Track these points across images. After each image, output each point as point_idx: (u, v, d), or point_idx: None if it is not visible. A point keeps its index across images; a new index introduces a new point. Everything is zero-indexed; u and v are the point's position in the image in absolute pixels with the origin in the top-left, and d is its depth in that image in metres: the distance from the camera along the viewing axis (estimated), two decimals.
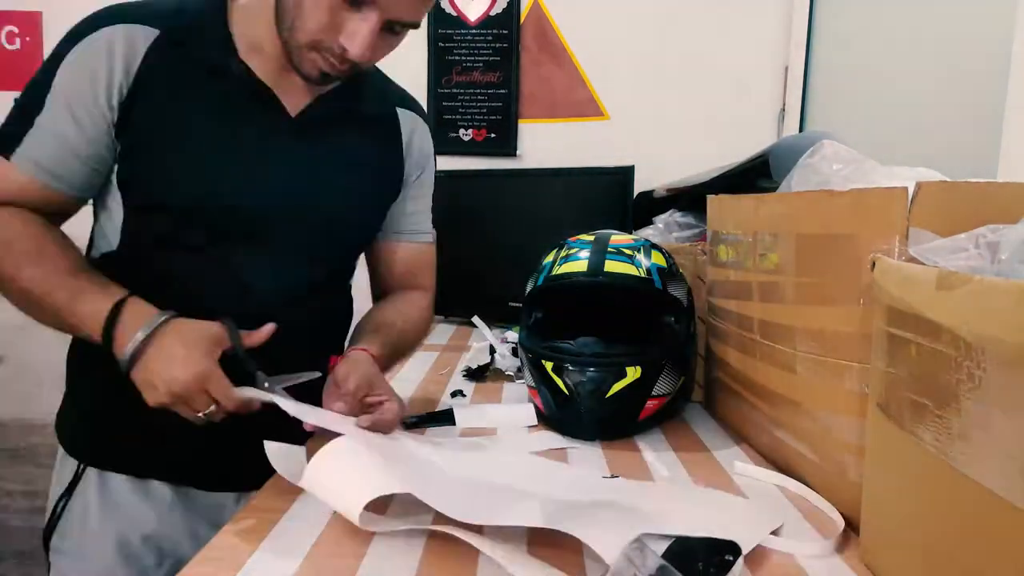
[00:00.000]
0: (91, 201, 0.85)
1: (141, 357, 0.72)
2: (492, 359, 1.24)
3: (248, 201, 0.82)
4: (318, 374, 0.83)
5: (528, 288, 1.00)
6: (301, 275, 0.89)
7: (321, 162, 0.88)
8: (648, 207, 1.51)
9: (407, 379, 1.19)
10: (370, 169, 0.95)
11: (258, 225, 0.84)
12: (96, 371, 0.80)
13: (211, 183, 0.81)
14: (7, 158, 0.76)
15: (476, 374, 1.20)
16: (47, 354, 1.12)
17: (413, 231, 1.04)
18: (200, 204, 0.80)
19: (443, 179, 1.95)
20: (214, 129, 0.81)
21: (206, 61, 0.80)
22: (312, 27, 0.75)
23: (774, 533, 0.63)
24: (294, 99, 0.86)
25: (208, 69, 0.80)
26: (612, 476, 0.77)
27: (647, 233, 1.35)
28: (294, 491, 0.71)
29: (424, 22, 2.09)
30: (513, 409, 1.00)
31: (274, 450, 0.69)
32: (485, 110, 2.11)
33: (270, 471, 0.69)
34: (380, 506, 0.65)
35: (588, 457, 0.84)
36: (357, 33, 0.75)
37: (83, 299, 0.73)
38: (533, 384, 0.95)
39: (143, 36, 0.77)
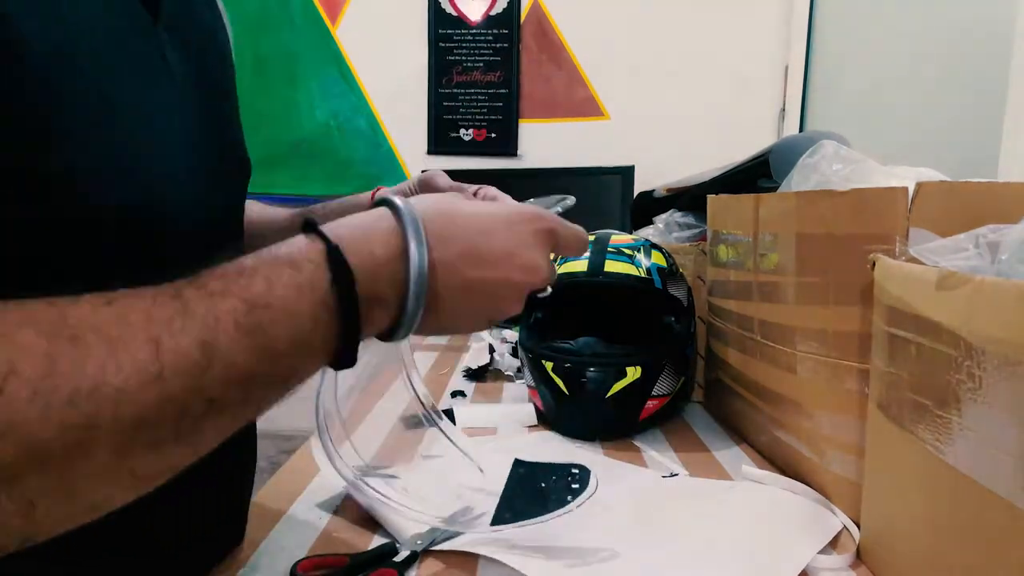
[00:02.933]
0: None
1: (448, 270, 0.43)
2: (491, 359, 1.24)
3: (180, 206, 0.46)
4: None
5: None
6: None
7: (211, 82, 0.53)
8: (648, 207, 1.50)
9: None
10: (230, 72, 0.60)
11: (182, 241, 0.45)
12: None
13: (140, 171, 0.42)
14: None
15: (476, 374, 1.20)
16: None
17: None
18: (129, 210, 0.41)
19: None
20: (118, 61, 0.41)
21: None
22: None
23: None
24: None
25: None
26: (672, 475, 0.77)
27: (647, 233, 1.35)
28: (292, 493, 0.71)
29: (424, 22, 2.10)
30: (513, 409, 1.00)
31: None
32: (485, 110, 2.11)
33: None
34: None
35: (590, 458, 0.84)
36: None
37: (257, 313, 0.34)
38: (533, 384, 0.95)
39: None
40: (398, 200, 0.42)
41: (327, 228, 0.39)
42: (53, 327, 0.29)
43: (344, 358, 0.39)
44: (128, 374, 0.30)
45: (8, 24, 0.33)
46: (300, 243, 0.38)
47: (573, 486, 0.60)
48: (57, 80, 0.36)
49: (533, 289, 0.48)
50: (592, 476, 0.61)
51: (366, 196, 0.68)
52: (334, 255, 0.37)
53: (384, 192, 0.45)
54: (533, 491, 0.62)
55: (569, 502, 0.58)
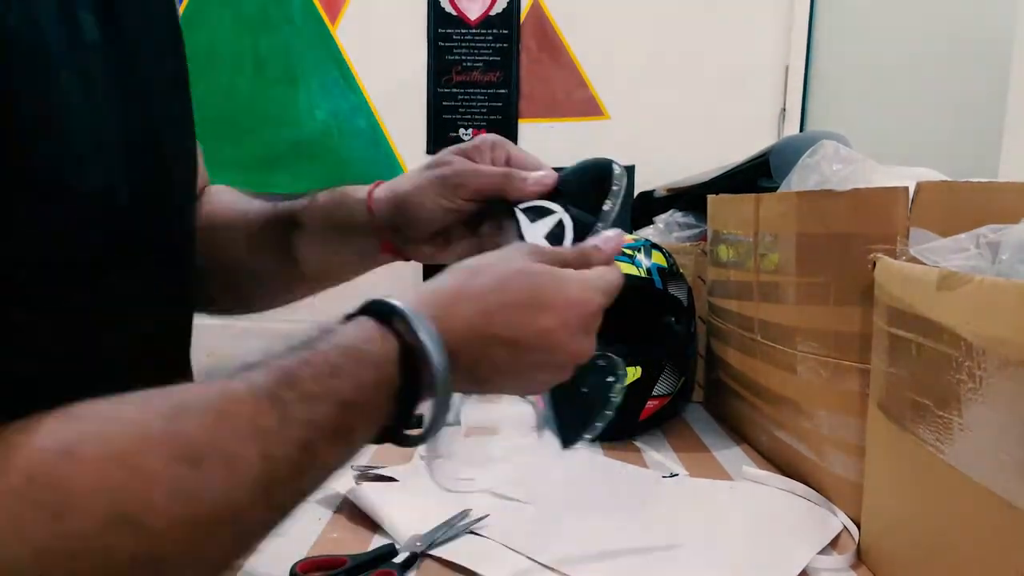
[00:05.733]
0: None
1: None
2: None
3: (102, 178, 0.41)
4: None
5: None
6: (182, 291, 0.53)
7: (146, 88, 0.47)
8: (648, 207, 1.50)
9: None
10: (175, 31, 0.54)
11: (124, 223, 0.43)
12: None
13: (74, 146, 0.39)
14: None
15: None
16: None
17: None
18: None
19: None
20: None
21: None
22: None
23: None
24: None
25: None
26: (672, 475, 0.77)
27: (647, 233, 1.35)
28: None
29: (424, 22, 2.09)
30: (513, 409, 1.00)
31: None
32: (485, 110, 2.11)
33: None
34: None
35: (590, 458, 0.84)
36: None
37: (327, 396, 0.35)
38: None
39: None
40: (402, 307, 0.40)
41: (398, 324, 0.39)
42: (173, 450, 0.30)
43: (389, 439, 0.40)
44: (245, 491, 0.32)
45: None
46: (375, 338, 0.38)
47: (608, 379, 0.55)
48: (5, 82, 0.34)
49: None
50: (619, 362, 0.55)
51: (361, 191, 0.59)
52: (406, 358, 0.38)
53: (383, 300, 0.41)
54: (578, 398, 0.56)
55: (613, 400, 0.53)
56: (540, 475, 0.76)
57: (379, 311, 0.40)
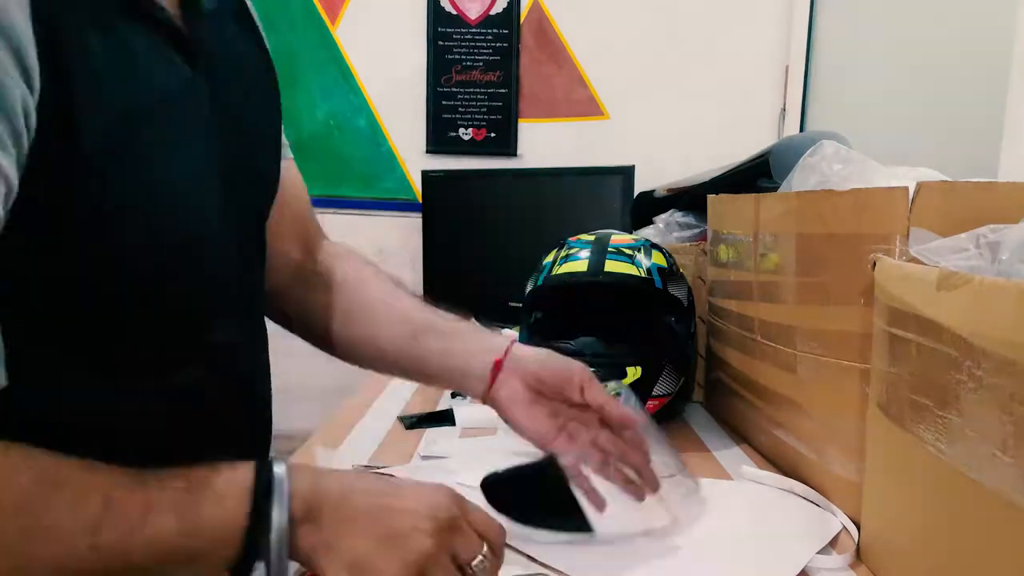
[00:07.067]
0: None
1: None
2: None
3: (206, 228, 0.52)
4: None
5: (528, 288, 1.00)
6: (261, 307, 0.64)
7: (236, 115, 0.56)
8: (648, 207, 1.50)
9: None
10: (265, 86, 0.66)
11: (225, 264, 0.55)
12: None
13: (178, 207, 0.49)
14: None
15: None
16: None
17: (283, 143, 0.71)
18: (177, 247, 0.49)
19: (443, 179, 1.96)
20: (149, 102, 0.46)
21: None
22: None
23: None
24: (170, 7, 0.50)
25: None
26: (672, 475, 0.77)
27: (647, 233, 1.35)
28: None
29: (424, 21, 2.09)
30: None
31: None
32: (485, 109, 2.11)
33: None
34: None
35: None
36: None
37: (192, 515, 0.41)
38: None
39: None
40: (278, 472, 0.44)
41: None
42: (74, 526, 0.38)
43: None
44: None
45: (69, 115, 0.40)
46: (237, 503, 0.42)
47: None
48: (102, 168, 0.42)
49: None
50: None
51: (483, 371, 0.69)
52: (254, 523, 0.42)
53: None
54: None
55: None
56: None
57: (260, 505, 0.43)
